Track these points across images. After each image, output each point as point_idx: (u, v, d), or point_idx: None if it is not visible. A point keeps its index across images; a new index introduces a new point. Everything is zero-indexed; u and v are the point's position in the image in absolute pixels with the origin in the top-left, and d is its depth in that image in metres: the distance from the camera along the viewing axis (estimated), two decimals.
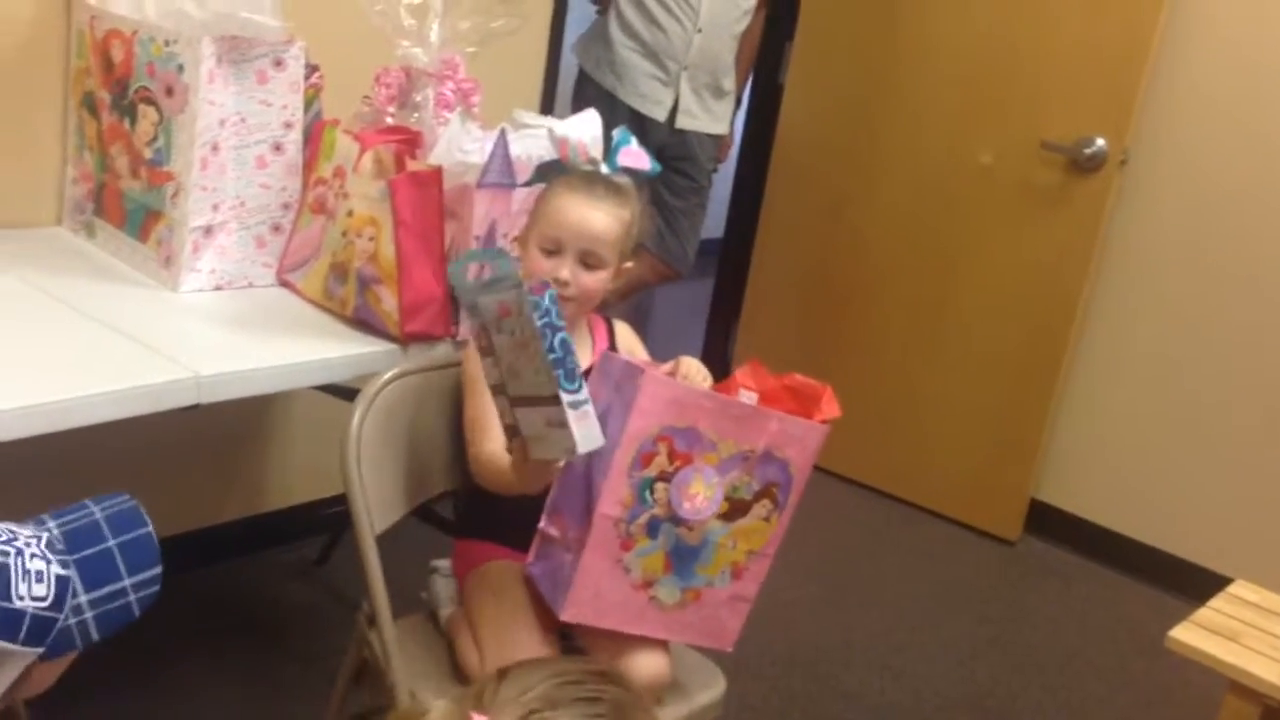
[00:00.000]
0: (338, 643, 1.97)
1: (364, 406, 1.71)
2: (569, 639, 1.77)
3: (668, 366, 1.74)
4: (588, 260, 1.76)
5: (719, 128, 3.60)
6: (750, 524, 1.71)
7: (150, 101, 1.97)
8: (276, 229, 2.08)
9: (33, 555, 1.03)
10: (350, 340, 1.95)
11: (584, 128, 1.85)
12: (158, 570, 1.12)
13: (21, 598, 1.01)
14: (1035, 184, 3.39)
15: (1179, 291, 3.33)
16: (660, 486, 1.63)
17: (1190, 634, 2.09)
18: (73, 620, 1.06)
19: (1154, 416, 3.41)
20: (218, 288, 2.03)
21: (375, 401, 1.73)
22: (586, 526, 1.63)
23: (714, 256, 4.27)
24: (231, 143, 1.97)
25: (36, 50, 2.12)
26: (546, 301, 1.44)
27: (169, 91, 1.94)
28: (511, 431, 1.57)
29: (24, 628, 1.01)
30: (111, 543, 1.10)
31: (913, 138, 3.60)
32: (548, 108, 3.08)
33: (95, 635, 1.08)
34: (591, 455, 1.54)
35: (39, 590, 1.02)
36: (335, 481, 1.72)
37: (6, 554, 1.02)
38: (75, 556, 1.07)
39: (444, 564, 1.92)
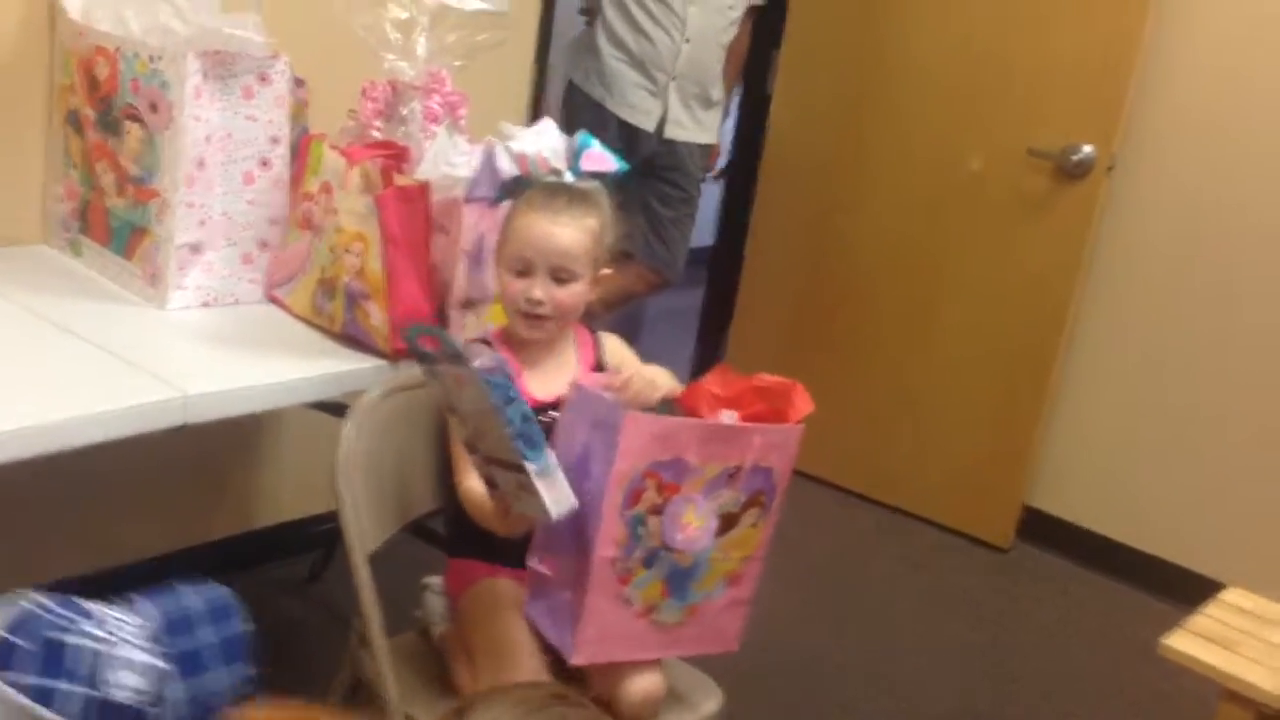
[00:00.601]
0: (330, 660, 1.95)
1: (354, 423, 1.70)
2: (562, 659, 1.75)
3: (617, 381, 1.71)
4: (559, 276, 1.74)
5: (708, 137, 3.60)
6: (740, 534, 1.70)
7: (135, 118, 1.96)
8: (263, 245, 2.07)
9: (135, 645, 1.03)
10: (339, 356, 1.93)
11: (541, 139, 1.83)
12: (251, 671, 1.12)
13: (120, 688, 1.00)
14: (1023, 191, 3.39)
15: (1169, 297, 3.34)
16: (653, 520, 1.62)
17: (1184, 641, 2.09)
18: (167, 715, 1.05)
19: (1146, 422, 3.42)
20: (205, 305, 2.02)
21: (365, 418, 1.72)
22: (583, 564, 1.62)
23: (704, 265, 4.27)
24: (218, 159, 1.96)
25: (20, 67, 2.11)
26: (498, 377, 1.45)
27: (154, 108, 1.92)
28: (490, 483, 1.58)
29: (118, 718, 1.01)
30: (212, 639, 1.10)
31: (901, 145, 3.60)
32: (535, 119, 3.06)
33: None
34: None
35: (137, 682, 1.02)
36: (326, 498, 1.71)
37: (111, 643, 1.01)
38: (175, 650, 1.07)
39: (436, 580, 1.91)
